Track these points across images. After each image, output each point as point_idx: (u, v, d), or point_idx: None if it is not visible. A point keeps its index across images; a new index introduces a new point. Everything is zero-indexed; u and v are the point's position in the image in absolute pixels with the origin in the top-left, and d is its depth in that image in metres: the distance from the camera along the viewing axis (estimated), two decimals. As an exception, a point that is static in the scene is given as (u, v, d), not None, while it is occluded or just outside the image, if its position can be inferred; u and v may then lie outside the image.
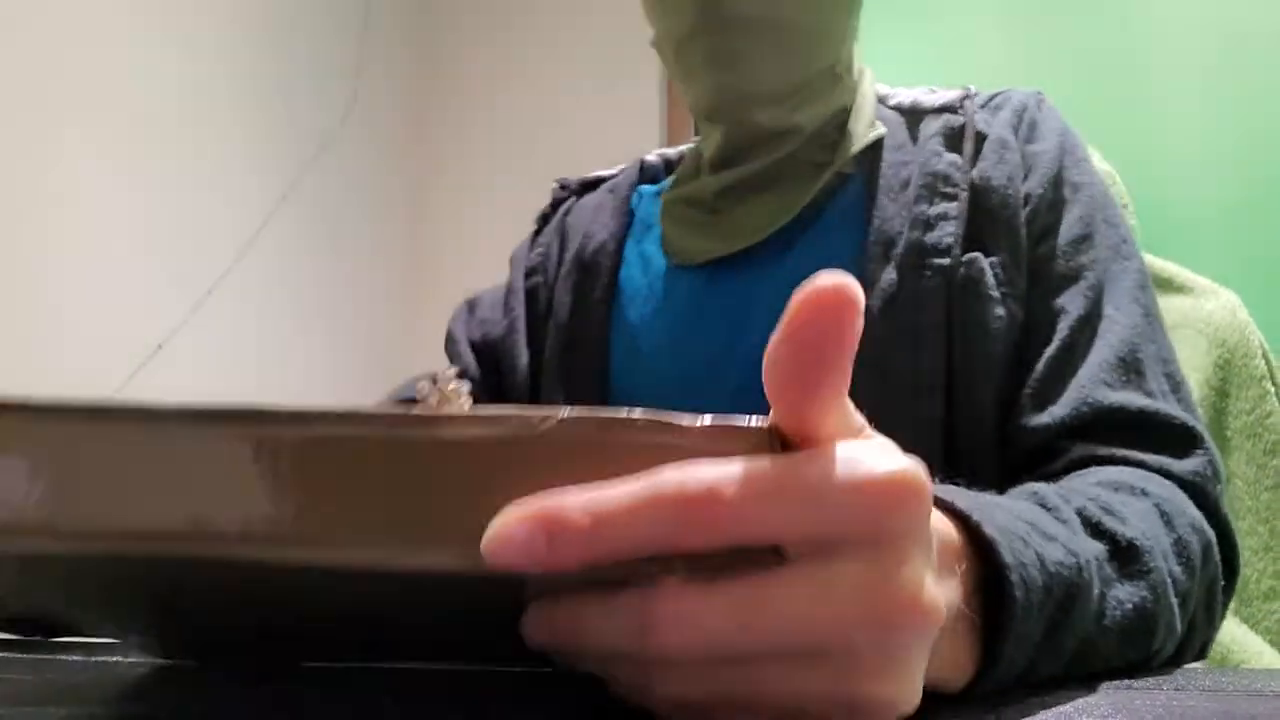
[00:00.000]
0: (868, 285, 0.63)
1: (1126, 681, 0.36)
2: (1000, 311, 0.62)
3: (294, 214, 1.97)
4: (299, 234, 2.00)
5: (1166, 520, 0.48)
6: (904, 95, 0.75)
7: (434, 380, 0.30)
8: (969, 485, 0.37)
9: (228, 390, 1.69)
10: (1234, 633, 0.86)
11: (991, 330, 0.62)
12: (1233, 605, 0.90)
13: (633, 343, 0.71)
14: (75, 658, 0.42)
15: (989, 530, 0.32)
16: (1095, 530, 0.42)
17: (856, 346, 0.24)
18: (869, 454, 0.24)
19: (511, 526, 0.22)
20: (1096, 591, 0.38)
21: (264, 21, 1.97)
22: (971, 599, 0.31)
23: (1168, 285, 1.03)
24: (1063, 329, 0.62)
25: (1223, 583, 0.52)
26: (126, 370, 1.58)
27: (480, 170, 2.34)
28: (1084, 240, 0.65)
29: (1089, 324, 0.62)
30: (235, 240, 1.83)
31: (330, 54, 2.13)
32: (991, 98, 0.73)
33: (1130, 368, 0.60)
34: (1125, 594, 0.41)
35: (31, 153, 1.49)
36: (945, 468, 0.58)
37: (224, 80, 1.86)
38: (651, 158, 0.84)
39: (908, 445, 0.26)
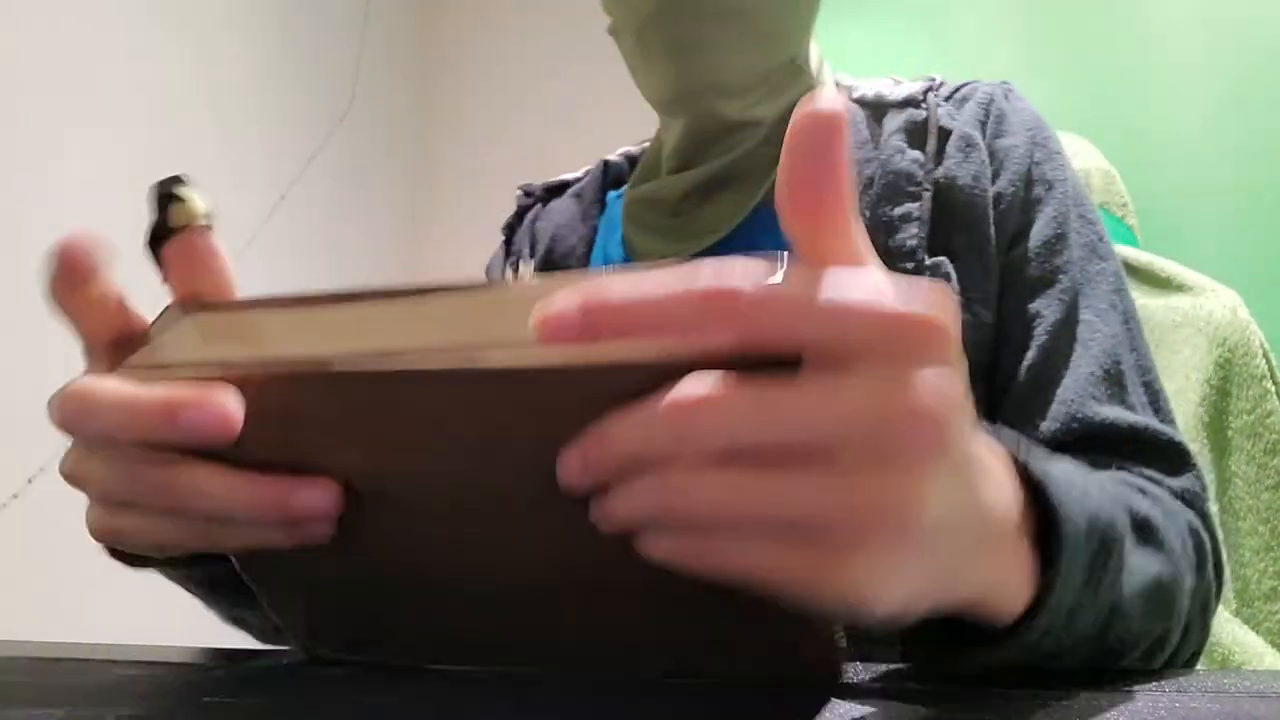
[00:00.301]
0: None
1: (1128, 683, 0.36)
2: (965, 317, 0.61)
3: (292, 214, 1.97)
4: (297, 234, 2.00)
5: (1168, 515, 0.48)
6: (867, 87, 0.72)
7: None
8: None
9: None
10: (1235, 634, 0.86)
11: None
12: (1233, 606, 0.90)
13: None
14: (74, 658, 0.41)
15: (1037, 469, 0.33)
16: (1115, 500, 0.42)
17: (847, 158, 0.26)
18: (896, 284, 0.26)
19: (558, 301, 0.25)
20: (1126, 547, 0.38)
21: (262, 21, 1.97)
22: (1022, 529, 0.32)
23: (1168, 284, 1.03)
24: (1040, 335, 0.60)
25: (1215, 591, 0.52)
26: (126, 370, 1.58)
27: (480, 170, 2.34)
28: (1058, 241, 0.63)
29: (1067, 329, 0.60)
30: (233, 240, 1.83)
31: (329, 54, 2.13)
32: (957, 89, 0.71)
33: (1114, 380, 0.59)
34: (1144, 561, 0.41)
35: (29, 151, 1.48)
36: None
37: (222, 80, 1.86)
38: (615, 157, 0.82)
39: None
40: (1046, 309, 0.61)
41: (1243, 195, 1.67)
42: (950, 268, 0.62)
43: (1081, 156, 1.21)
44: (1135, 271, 1.07)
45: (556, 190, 0.82)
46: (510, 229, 0.83)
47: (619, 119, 2.21)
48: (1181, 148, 1.70)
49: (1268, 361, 0.96)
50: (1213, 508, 0.58)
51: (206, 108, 1.81)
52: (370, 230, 2.24)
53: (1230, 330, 0.96)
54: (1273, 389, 0.94)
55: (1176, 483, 0.55)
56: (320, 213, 2.07)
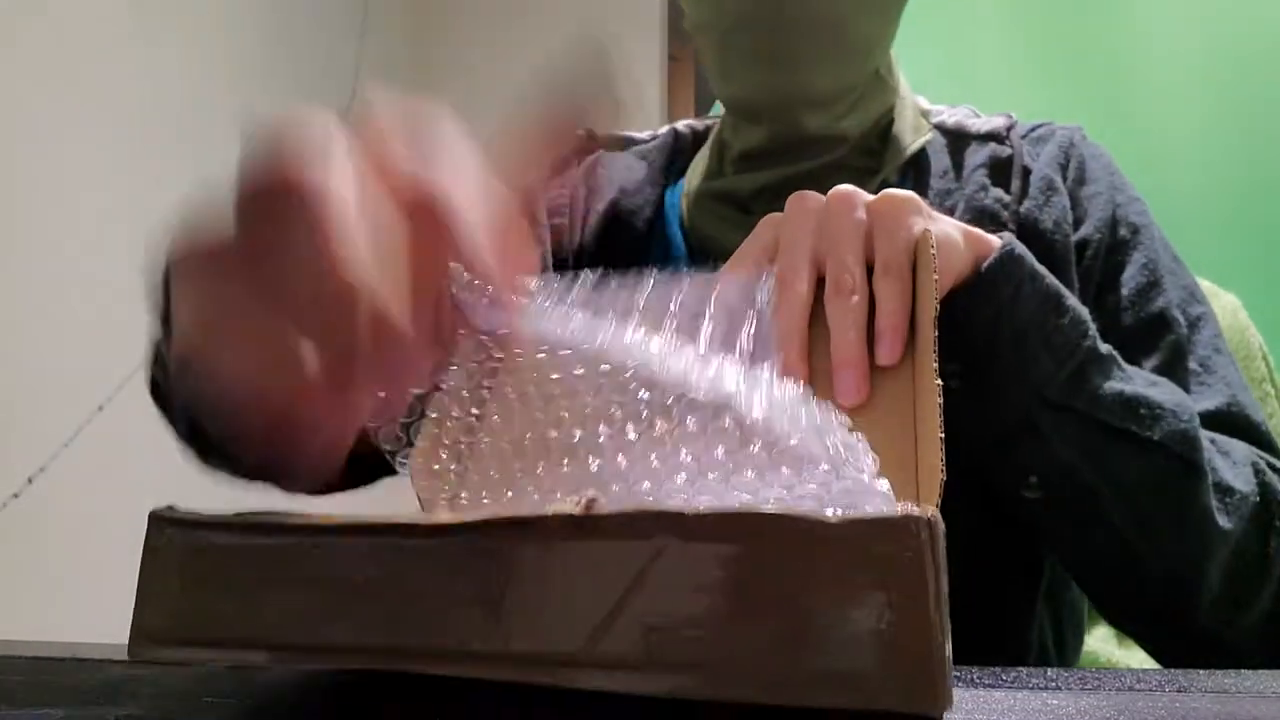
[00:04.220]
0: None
1: (1129, 683, 0.36)
2: None
3: (293, 214, 1.97)
4: (298, 234, 2.00)
5: (1221, 449, 0.52)
6: (947, 115, 0.71)
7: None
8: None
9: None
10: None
11: None
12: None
13: None
14: (74, 658, 0.41)
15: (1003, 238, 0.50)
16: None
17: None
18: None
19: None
20: (1117, 369, 0.49)
21: (262, 21, 1.97)
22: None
23: (1167, 287, 1.03)
24: None
25: None
26: (123, 372, 1.58)
27: (479, 171, 2.34)
28: (1152, 288, 0.62)
29: (1173, 380, 0.58)
30: (234, 240, 1.83)
31: (329, 54, 2.13)
32: (1033, 129, 0.70)
33: (1237, 424, 0.58)
34: (1164, 399, 0.51)
35: (27, 152, 1.48)
36: (987, 513, 0.55)
37: (221, 80, 1.86)
38: (683, 128, 0.79)
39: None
40: (1147, 360, 0.60)
41: (1242, 197, 1.67)
42: None
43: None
44: (1134, 273, 1.07)
45: (617, 143, 0.79)
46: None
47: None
48: (1180, 149, 1.70)
49: (1267, 365, 0.96)
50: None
51: (205, 107, 1.81)
52: (369, 231, 2.24)
53: (1230, 333, 0.96)
54: (1272, 392, 0.94)
55: None
56: (319, 213, 2.07)
